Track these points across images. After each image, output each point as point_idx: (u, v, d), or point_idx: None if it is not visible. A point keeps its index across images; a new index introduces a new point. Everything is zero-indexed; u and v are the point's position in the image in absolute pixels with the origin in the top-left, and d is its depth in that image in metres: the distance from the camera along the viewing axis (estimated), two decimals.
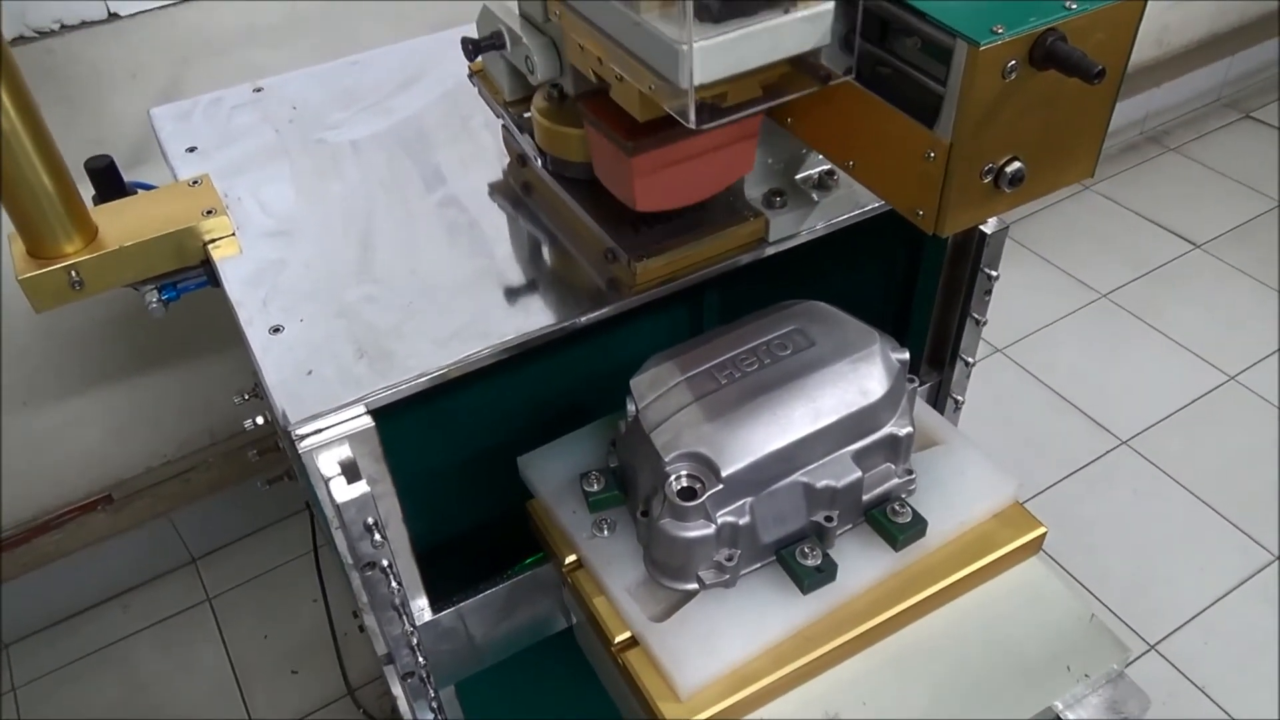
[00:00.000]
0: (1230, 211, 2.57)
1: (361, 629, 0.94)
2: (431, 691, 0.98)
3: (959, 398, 1.21)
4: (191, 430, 1.78)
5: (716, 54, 0.67)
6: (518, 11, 0.91)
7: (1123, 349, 2.24)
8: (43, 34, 1.31)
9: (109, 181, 1.01)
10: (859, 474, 0.83)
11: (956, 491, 0.89)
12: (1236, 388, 2.13)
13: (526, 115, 0.95)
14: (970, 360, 1.16)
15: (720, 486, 0.78)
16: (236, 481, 1.84)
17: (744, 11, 0.67)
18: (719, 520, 0.79)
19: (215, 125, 1.15)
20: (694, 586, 0.82)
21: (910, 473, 0.87)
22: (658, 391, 0.83)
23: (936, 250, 1.10)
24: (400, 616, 0.90)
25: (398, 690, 0.97)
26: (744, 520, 0.80)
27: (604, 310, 0.90)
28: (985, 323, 1.12)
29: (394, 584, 0.87)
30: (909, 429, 0.85)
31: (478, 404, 0.93)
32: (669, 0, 0.68)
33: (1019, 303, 2.30)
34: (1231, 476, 1.96)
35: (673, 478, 0.79)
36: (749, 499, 0.80)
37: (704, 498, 0.78)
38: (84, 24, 1.33)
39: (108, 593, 1.86)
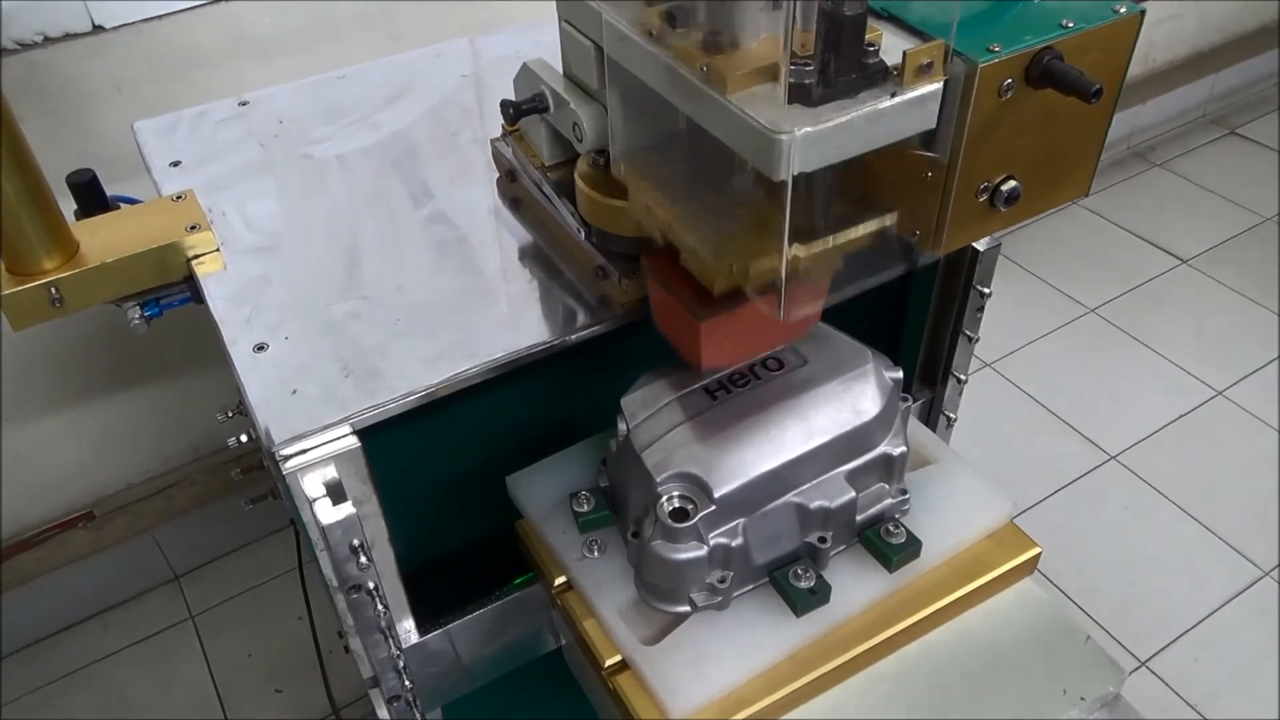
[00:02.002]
0: (1216, 227, 2.58)
1: (347, 649, 0.92)
2: (418, 715, 0.96)
3: (951, 415, 1.21)
4: (174, 446, 1.76)
5: (817, 142, 0.60)
6: (561, 72, 0.87)
7: (1111, 364, 2.25)
8: (25, 46, 1.29)
9: (91, 196, 0.99)
10: (853, 494, 0.82)
11: (951, 511, 0.88)
12: (1224, 403, 2.14)
13: (564, 178, 0.91)
14: (962, 378, 1.16)
15: (713, 508, 0.77)
16: (220, 498, 1.82)
17: (845, 95, 0.61)
18: (711, 542, 0.78)
19: (200, 139, 1.14)
20: (685, 609, 0.81)
21: (904, 493, 0.86)
22: (649, 410, 0.82)
23: (929, 267, 1.10)
24: (386, 639, 0.88)
25: (384, 714, 0.95)
26: (736, 541, 0.79)
27: (594, 328, 0.88)
28: (977, 340, 1.11)
29: (380, 606, 0.85)
30: (903, 449, 0.84)
31: (466, 423, 0.92)
32: (759, 81, 0.62)
33: (1008, 317, 2.31)
34: (1220, 491, 1.96)
35: (664, 499, 0.78)
36: (741, 520, 0.79)
37: (696, 519, 0.77)
38: (67, 36, 1.31)
39: (89, 611, 1.83)
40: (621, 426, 0.83)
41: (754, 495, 0.79)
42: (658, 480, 0.78)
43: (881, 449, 0.84)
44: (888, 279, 0.68)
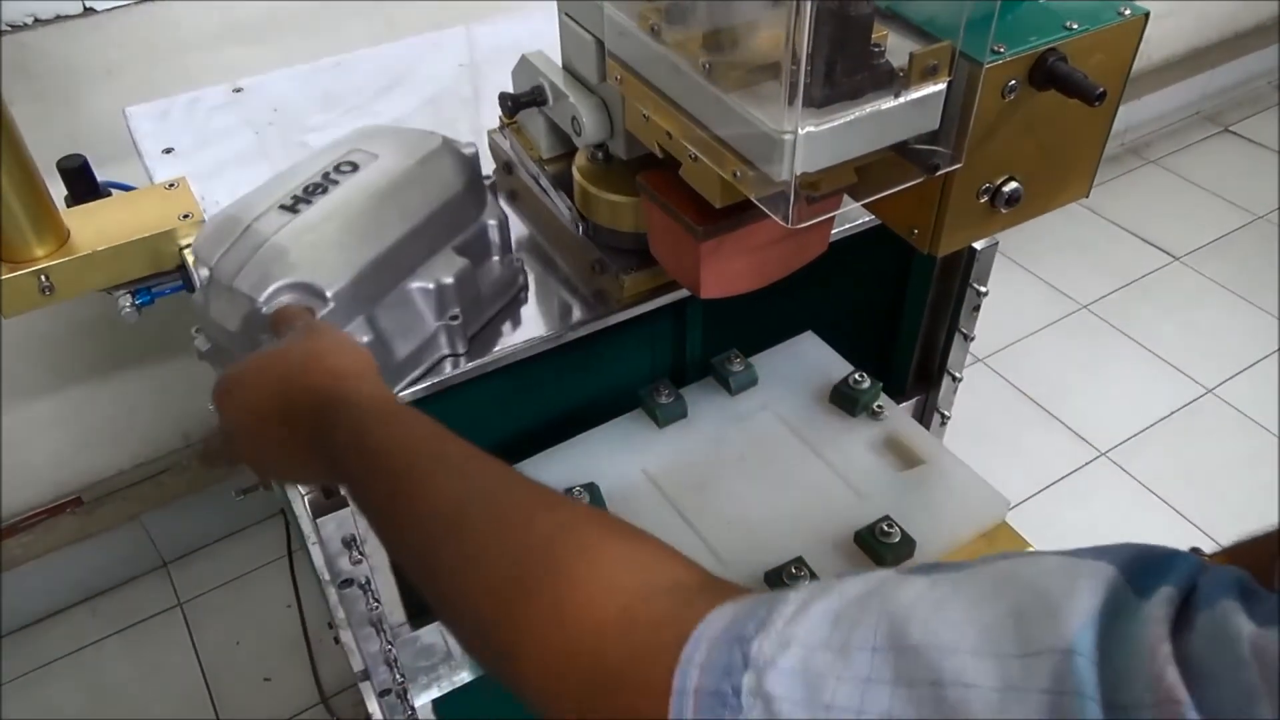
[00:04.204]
0: (1209, 224, 2.58)
1: (337, 640, 0.92)
2: (409, 709, 0.96)
3: (946, 413, 1.21)
4: (164, 432, 1.75)
5: (820, 143, 0.60)
6: (560, 64, 0.86)
7: (1102, 360, 2.25)
8: (15, 27, 1.28)
9: (82, 182, 0.98)
10: (466, 262, 0.82)
11: (945, 510, 0.88)
12: (1214, 400, 2.14)
13: (561, 171, 0.90)
14: (958, 376, 1.16)
15: (331, 306, 0.74)
16: (209, 485, 1.81)
17: (849, 95, 0.60)
18: None
19: (193, 126, 1.13)
20: None
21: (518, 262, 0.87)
22: (225, 245, 0.77)
23: (925, 265, 1.10)
24: (378, 633, 0.88)
25: (374, 708, 0.95)
26: (367, 338, 0.77)
27: (590, 323, 0.88)
28: (973, 338, 1.11)
29: (372, 600, 0.85)
30: (501, 218, 0.87)
31: (461, 417, 0.91)
32: (763, 79, 0.60)
33: (1000, 312, 2.30)
34: (1209, 490, 1.97)
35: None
36: (364, 315, 0.77)
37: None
38: (59, 18, 1.29)
39: (76, 596, 1.82)
40: (202, 272, 0.78)
41: (370, 287, 0.77)
42: (260, 299, 0.73)
43: (481, 220, 0.86)
44: (898, 189, 0.66)
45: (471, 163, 0.86)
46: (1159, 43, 2.68)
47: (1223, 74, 2.89)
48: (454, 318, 0.82)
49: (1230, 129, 2.92)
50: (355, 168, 0.81)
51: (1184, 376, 2.19)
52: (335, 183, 0.80)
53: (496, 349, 0.85)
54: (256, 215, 0.77)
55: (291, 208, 0.78)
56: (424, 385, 0.82)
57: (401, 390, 0.80)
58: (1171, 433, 2.08)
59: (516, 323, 0.88)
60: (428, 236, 0.81)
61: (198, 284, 0.92)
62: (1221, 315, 2.34)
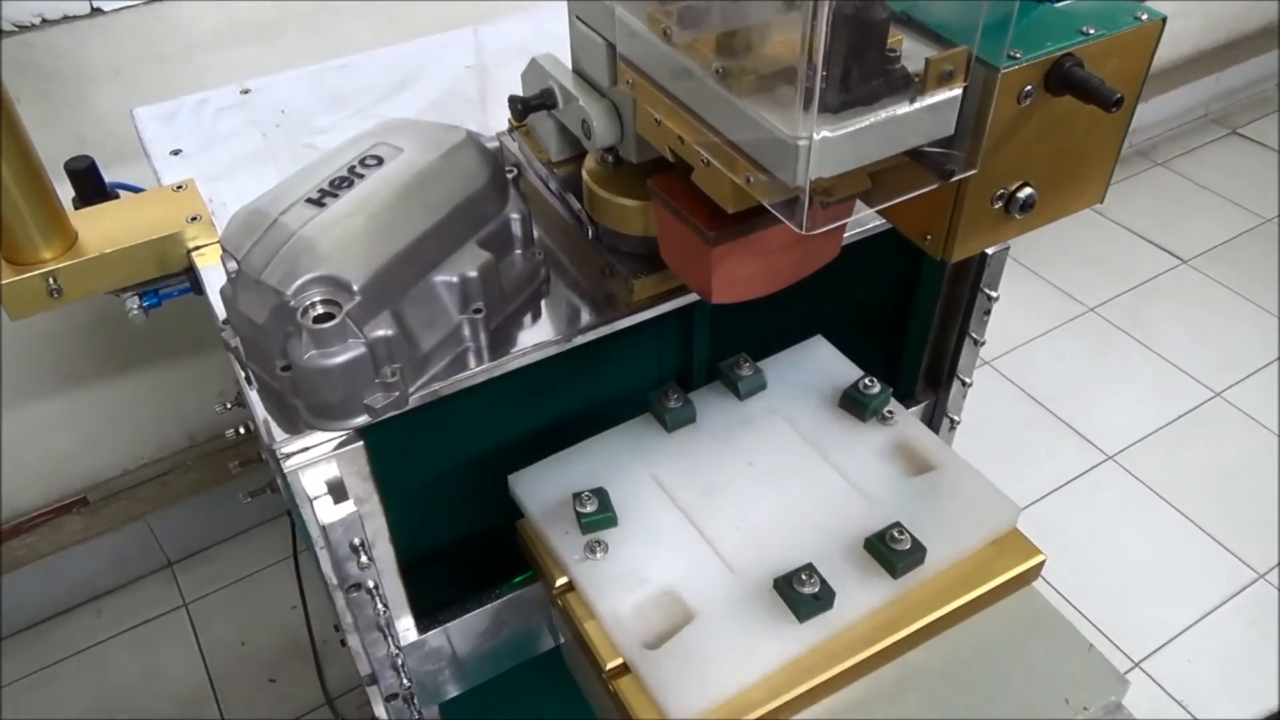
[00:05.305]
0: (1217, 227, 2.57)
1: (343, 643, 0.92)
2: (416, 713, 0.96)
3: (955, 418, 1.20)
4: (170, 432, 1.74)
5: (835, 148, 0.59)
6: (570, 67, 0.86)
7: (1109, 363, 2.24)
8: (23, 28, 1.27)
9: (90, 184, 0.98)
10: (489, 256, 0.82)
11: (955, 517, 0.88)
12: (1222, 404, 2.13)
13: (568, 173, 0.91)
14: (967, 380, 1.15)
15: (358, 299, 0.74)
16: (215, 485, 1.80)
17: (864, 101, 0.59)
18: (369, 336, 0.75)
19: (201, 127, 1.12)
20: (364, 418, 0.78)
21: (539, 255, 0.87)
22: (253, 239, 0.77)
23: (936, 270, 1.09)
24: (385, 638, 0.88)
25: (381, 712, 0.95)
26: (393, 331, 0.76)
27: (600, 327, 0.87)
28: (984, 343, 1.11)
29: (379, 605, 0.85)
30: (524, 211, 0.86)
31: (469, 420, 0.91)
32: (778, 84, 0.60)
33: (1007, 315, 2.30)
34: (1216, 493, 1.96)
35: (304, 308, 0.74)
36: (390, 309, 0.77)
37: (343, 315, 0.73)
38: (66, 18, 1.29)
39: (82, 596, 1.82)
40: (230, 265, 0.78)
41: (395, 280, 0.77)
42: (289, 293, 0.73)
43: (504, 214, 0.85)
44: (912, 195, 0.66)
45: (495, 157, 0.85)
46: (1166, 44, 2.66)
47: (1230, 76, 2.88)
48: (477, 310, 0.81)
49: (1238, 131, 2.91)
50: (380, 161, 0.81)
51: (1191, 380, 2.19)
52: (361, 176, 0.80)
53: (506, 352, 0.84)
54: (284, 209, 0.77)
55: (318, 201, 0.78)
56: (433, 389, 0.81)
57: (415, 391, 0.80)
58: (1179, 436, 2.08)
59: (537, 315, 0.88)
60: (452, 230, 0.81)
61: (206, 285, 0.92)
62: (1229, 319, 2.33)
